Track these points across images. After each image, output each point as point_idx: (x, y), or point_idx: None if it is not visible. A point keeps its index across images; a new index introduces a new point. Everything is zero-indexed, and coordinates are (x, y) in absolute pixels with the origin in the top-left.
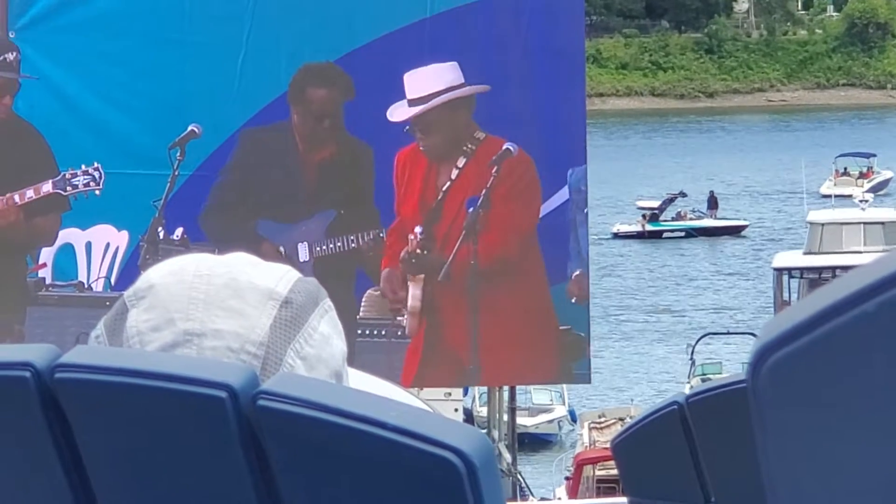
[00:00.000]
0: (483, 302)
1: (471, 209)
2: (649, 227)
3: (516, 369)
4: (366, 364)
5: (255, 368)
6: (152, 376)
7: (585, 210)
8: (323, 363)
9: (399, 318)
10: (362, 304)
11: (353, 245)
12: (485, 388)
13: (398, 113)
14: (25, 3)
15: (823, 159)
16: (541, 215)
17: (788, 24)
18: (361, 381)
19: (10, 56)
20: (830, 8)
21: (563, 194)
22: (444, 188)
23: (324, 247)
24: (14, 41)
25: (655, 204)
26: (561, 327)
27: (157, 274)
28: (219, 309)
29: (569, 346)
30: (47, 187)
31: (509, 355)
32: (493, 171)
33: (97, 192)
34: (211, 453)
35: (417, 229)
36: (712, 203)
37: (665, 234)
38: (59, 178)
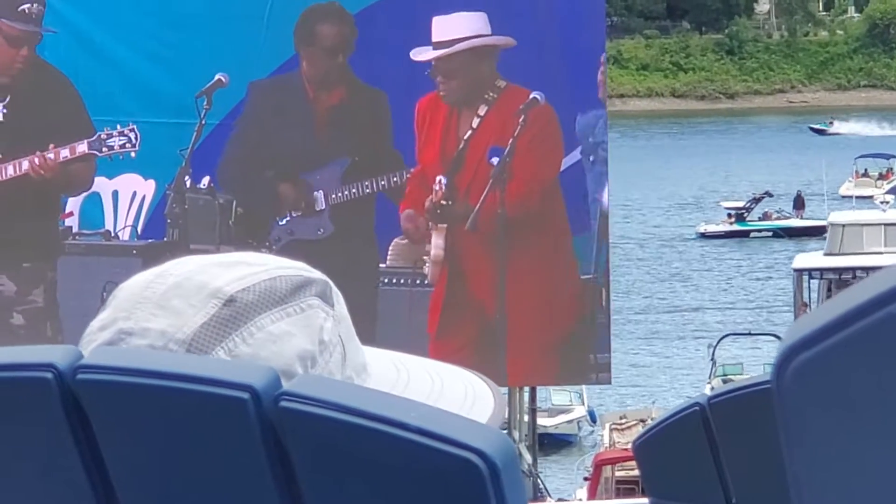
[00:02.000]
0: (510, 251)
1: (493, 158)
2: (737, 227)
3: (539, 323)
4: (390, 313)
5: None
6: (175, 377)
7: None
8: (262, 363)
9: (423, 268)
10: (389, 252)
11: (367, 191)
12: (505, 388)
13: (421, 55)
14: None
15: (844, 160)
16: (563, 167)
17: (809, 25)
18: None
19: (31, 7)
20: (852, 9)
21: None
22: (465, 137)
23: (339, 194)
24: None
25: (740, 204)
26: (582, 277)
27: (136, 277)
28: (159, 308)
29: (590, 294)
30: (82, 147)
31: (533, 305)
32: (520, 119)
33: (133, 153)
34: (233, 455)
35: (440, 178)
36: (799, 203)
37: (752, 234)
38: (94, 138)
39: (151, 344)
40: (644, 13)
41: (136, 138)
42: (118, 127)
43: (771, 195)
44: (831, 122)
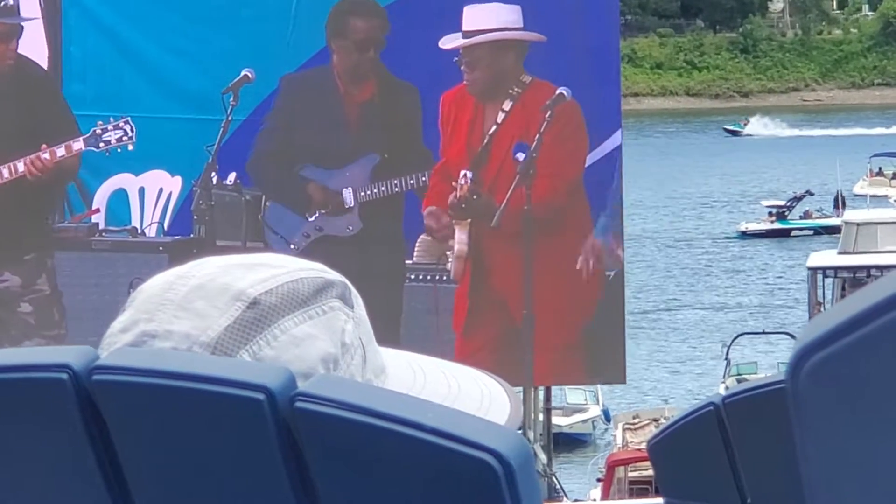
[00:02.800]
0: (534, 248)
1: (518, 153)
2: (778, 225)
3: (564, 321)
4: (415, 310)
5: None
6: (190, 378)
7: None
8: (287, 365)
9: (446, 263)
10: (415, 249)
11: (396, 189)
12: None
13: (449, 41)
14: None
15: (859, 159)
16: (588, 163)
17: (823, 23)
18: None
19: (10, 1)
20: (865, 7)
21: (614, 140)
22: (490, 132)
23: (368, 192)
24: None
25: (781, 203)
26: (607, 273)
27: (156, 277)
28: (182, 310)
29: (614, 292)
30: (78, 145)
31: (559, 304)
32: (547, 115)
33: (130, 146)
34: (248, 455)
35: (466, 173)
36: (838, 202)
37: (793, 233)
38: (89, 134)
39: (175, 346)
40: (658, 11)
41: (131, 130)
42: (111, 121)
43: (812, 194)
44: (746, 123)
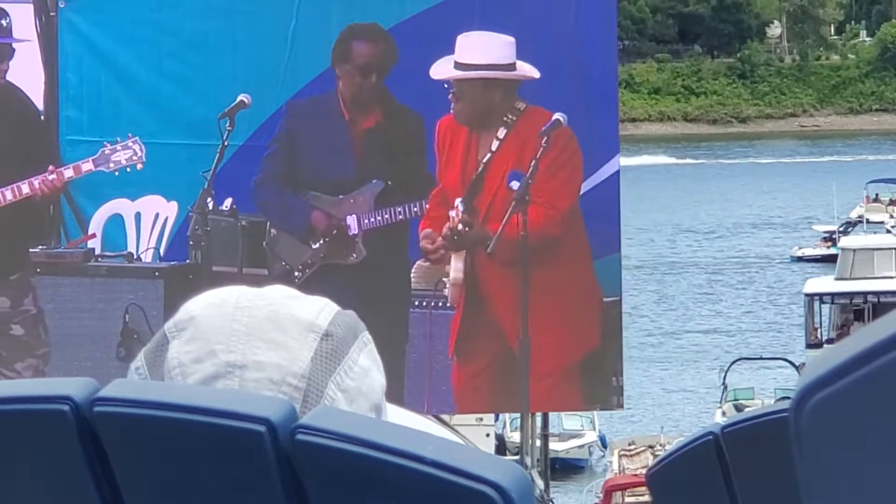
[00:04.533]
0: (532, 274)
1: (513, 181)
2: (833, 251)
3: (561, 348)
4: (412, 335)
5: (296, 401)
6: (191, 410)
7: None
8: (363, 396)
9: (443, 290)
10: (412, 275)
11: (400, 217)
12: (517, 414)
13: (440, 70)
14: None
15: (855, 185)
16: (584, 189)
17: (821, 49)
18: (397, 415)
19: (3, 22)
20: (863, 33)
21: (612, 165)
22: (484, 160)
23: (372, 219)
24: (64, 11)
25: (833, 228)
26: (605, 299)
27: (198, 306)
28: (260, 341)
29: (613, 317)
30: (88, 166)
31: (555, 330)
32: (543, 141)
33: (139, 165)
34: (250, 487)
35: (458, 202)
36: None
37: None
38: (97, 155)
39: (269, 378)
40: (656, 37)
41: (140, 150)
42: (118, 140)
43: (863, 221)
44: None
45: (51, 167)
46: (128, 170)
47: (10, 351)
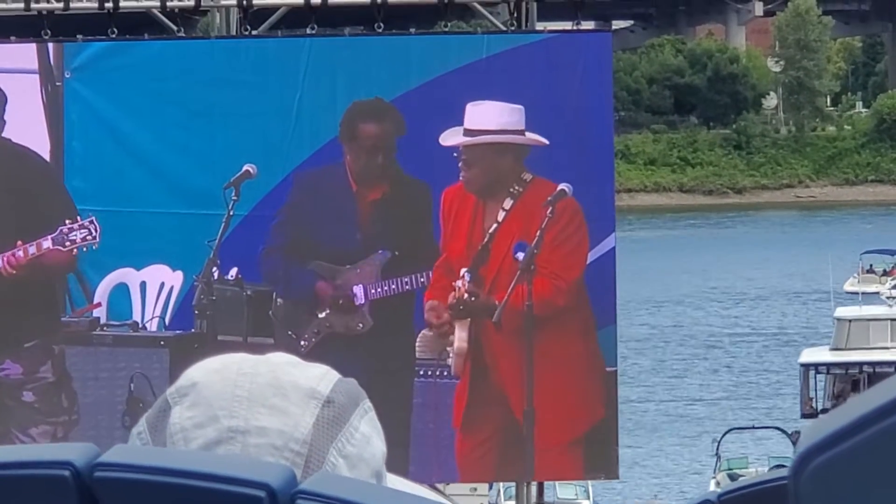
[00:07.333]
0: (537, 345)
1: (518, 253)
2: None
3: (565, 418)
4: (416, 405)
5: (298, 466)
6: (191, 475)
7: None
8: (364, 462)
9: (447, 359)
10: (417, 344)
11: (406, 287)
12: (512, 483)
13: (450, 138)
14: (81, 43)
15: (850, 255)
16: (589, 260)
17: (817, 120)
18: (393, 483)
19: None
20: (859, 104)
21: (610, 241)
22: (490, 230)
23: (379, 289)
24: (70, 81)
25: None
26: (608, 369)
27: (200, 372)
28: (262, 407)
29: (613, 388)
30: (47, 244)
31: (560, 400)
32: (548, 211)
33: (95, 245)
34: None
35: (464, 272)
36: None
37: None
38: (56, 233)
39: (271, 443)
40: (652, 108)
41: (95, 230)
42: (78, 219)
43: None
44: None
45: (19, 241)
46: (84, 249)
47: (23, 417)
